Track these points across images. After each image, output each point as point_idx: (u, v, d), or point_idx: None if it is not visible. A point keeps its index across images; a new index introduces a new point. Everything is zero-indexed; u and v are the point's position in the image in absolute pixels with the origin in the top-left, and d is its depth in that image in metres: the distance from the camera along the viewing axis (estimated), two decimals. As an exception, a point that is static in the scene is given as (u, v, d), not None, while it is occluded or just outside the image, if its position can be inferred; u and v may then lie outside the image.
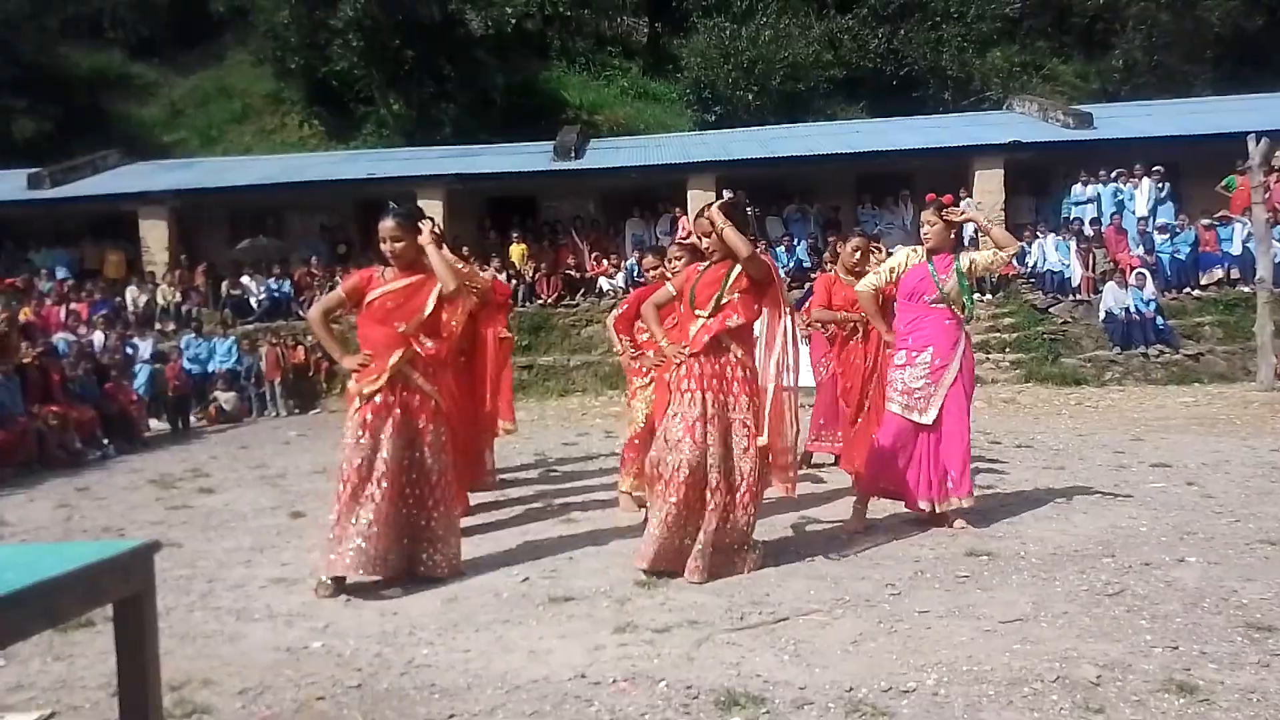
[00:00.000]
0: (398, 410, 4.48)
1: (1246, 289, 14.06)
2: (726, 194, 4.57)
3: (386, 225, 4.57)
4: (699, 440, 4.45)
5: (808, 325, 7.07)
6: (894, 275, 5.42)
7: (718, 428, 4.48)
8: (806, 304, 7.56)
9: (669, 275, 5.18)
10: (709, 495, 4.46)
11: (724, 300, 4.58)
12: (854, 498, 6.18)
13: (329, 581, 4.43)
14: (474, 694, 3.20)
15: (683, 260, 5.17)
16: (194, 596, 4.52)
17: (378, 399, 4.47)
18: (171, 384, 13.47)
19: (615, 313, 6.33)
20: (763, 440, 4.63)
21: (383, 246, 4.60)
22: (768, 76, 23.26)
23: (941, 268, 5.27)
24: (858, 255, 6.53)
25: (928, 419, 5.21)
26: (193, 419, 13.48)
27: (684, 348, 4.60)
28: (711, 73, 23.83)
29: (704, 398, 4.49)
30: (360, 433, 4.44)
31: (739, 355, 4.58)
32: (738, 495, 4.52)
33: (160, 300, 16.70)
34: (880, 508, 5.80)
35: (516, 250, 17.12)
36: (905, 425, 5.25)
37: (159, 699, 2.27)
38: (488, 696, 3.17)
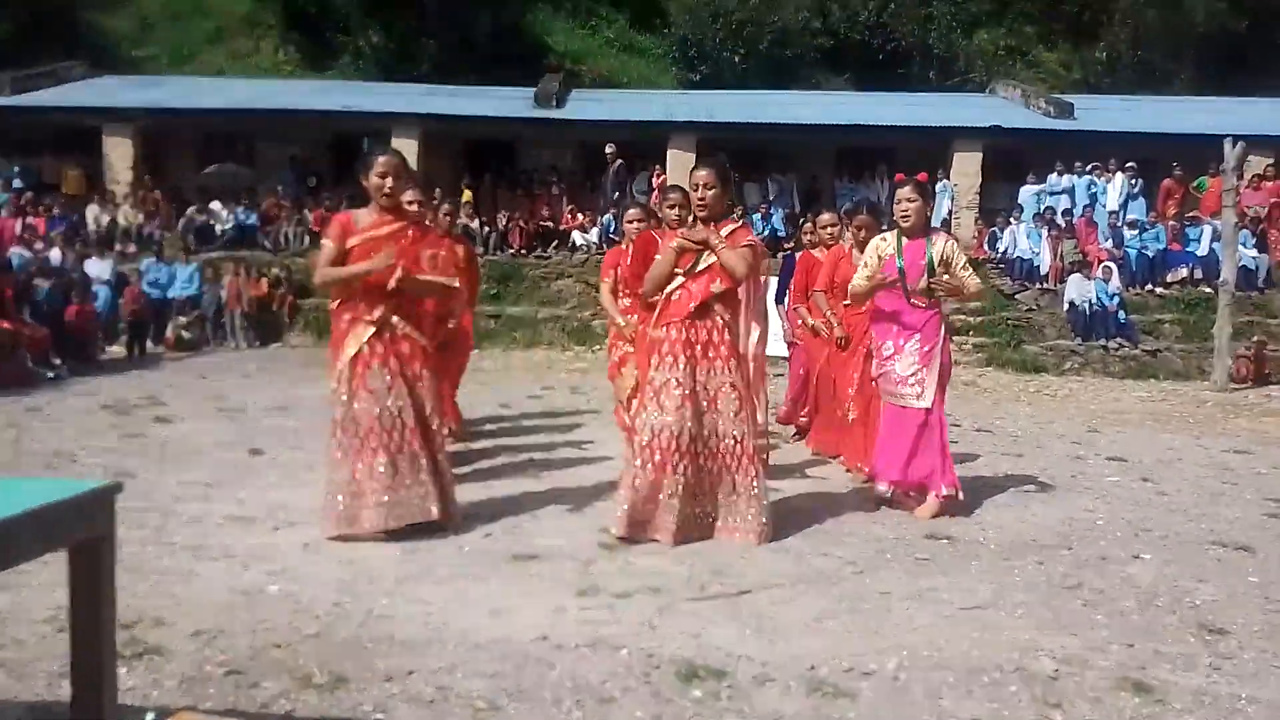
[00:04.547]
0: (393, 359, 4.43)
1: (1208, 290, 14.27)
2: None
3: (390, 160, 4.46)
4: (677, 409, 4.37)
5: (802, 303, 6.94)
6: (878, 263, 5.30)
7: (696, 399, 4.41)
8: (790, 282, 7.36)
9: (657, 232, 5.08)
10: (682, 463, 4.39)
11: (702, 267, 4.50)
12: (816, 472, 6.27)
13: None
14: (434, 650, 3.16)
15: (675, 211, 5.06)
16: (148, 530, 4.42)
17: (365, 350, 4.40)
18: (130, 308, 13.16)
19: (606, 285, 5.89)
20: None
21: (380, 181, 4.43)
22: (755, 40, 23.06)
23: (913, 259, 5.11)
24: (862, 234, 6.11)
25: (925, 402, 5.09)
26: (150, 345, 13.19)
27: (634, 323, 4.56)
28: (699, 31, 23.56)
29: (685, 365, 4.41)
30: (367, 384, 4.37)
31: (725, 319, 4.49)
32: (731, 457, 4.45)
33: (122, 221, 16.25)
34: (842, 482, 5.85)
35: (465, 195, 16.63)
36: (897, 412, 5.17)
37: (113, 647, 2.20)
38: (449, 653, 3.14)
